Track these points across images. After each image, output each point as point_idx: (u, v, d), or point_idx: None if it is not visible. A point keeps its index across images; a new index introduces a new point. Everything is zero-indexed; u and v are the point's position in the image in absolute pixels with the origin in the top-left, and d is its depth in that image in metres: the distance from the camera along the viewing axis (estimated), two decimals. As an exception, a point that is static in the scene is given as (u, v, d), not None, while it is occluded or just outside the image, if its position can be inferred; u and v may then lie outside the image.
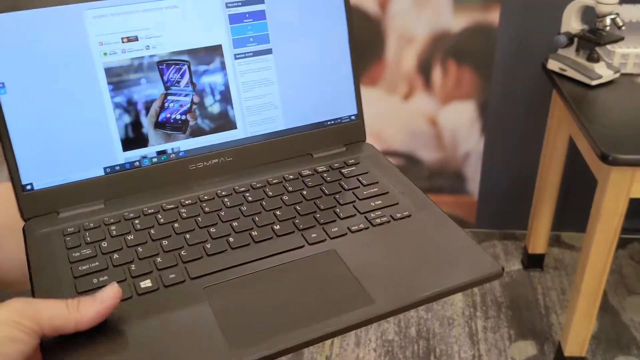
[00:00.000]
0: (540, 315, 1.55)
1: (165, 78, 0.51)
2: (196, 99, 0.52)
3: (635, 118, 1.16)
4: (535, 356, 1.44)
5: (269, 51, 0.54)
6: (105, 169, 0.50)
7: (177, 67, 0.51)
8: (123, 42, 0.49)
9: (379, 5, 1.54)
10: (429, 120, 1.69)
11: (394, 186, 0.53)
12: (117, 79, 0.49)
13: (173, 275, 0.43)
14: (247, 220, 0.49)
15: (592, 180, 1.20)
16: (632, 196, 1.11)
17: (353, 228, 0.48)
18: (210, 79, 0.52)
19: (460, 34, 1.56)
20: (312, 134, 0.57)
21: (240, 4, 0.52)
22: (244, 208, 0.50)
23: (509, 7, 1.51)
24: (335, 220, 0.49)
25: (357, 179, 0.54)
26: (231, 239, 0.46)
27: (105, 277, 0.42)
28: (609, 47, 1.29)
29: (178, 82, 0.51)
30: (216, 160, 0.53)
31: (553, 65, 1.33)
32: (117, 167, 0.51)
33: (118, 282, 0.41)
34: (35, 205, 0.48)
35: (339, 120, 0.58)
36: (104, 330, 0.38)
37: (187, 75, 0.51)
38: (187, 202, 0.50)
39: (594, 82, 1.25)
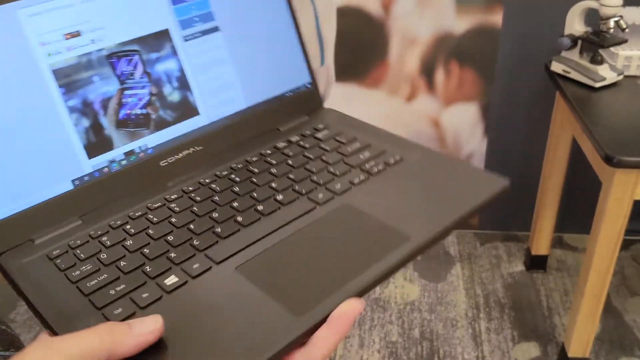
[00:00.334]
0: (543, 317, 1.56)
1: (118, 72, 0.47)
2: (154, 90, 0.49)
3: (639, 120, 1.16)
4: (538, 357, 1.44)
5: (216, 29, 0.52)
6: (73, 181, 0.46)
7: (128, 58, 0.48)
8: (66, 38, 0.45)
9: (382, 7, 1.55)
10: (432, 121, 1.69)
11: (373, 138, 0.53)
12: (67, 80, 0.45)
13: (197, 265, 0.40)
14: (245, 199, 0.47)
15: (594, 182, 1.20)
16: (636, 198, 1.11)
17: (355, 181, 0.48)
18: (164, 67, 0.49)
19: (463, 35, 1.57)
20: (274, 108, 0.56)
21: None
22: (236, 189, 0.48)
23: (512, 9, 1.52)
24: (333, 179, 0.49)
25: (334, 139, 0.54)
26: (239, 218, 0.45)
27: (123, 286, 0.39)
28: (612, 49, 1.29)
29: (132, 74, 0.48)
30: (187, 151, 0.51)
31: (556, 67, 1.33)
32: (86, 178, 0.46)
33: (138, 286, 0.39)
34: (4, 236, 0.43)
35: (296, 91, 0.57)
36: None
37: (140, 66, 0.48)
38: (173, 197, 0.48)
39: (597, 84, 1.25)
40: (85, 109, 0.45)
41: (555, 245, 1.79)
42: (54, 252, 0.42)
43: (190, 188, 0.49)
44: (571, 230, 1.82)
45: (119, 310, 0.37)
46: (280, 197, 0.47)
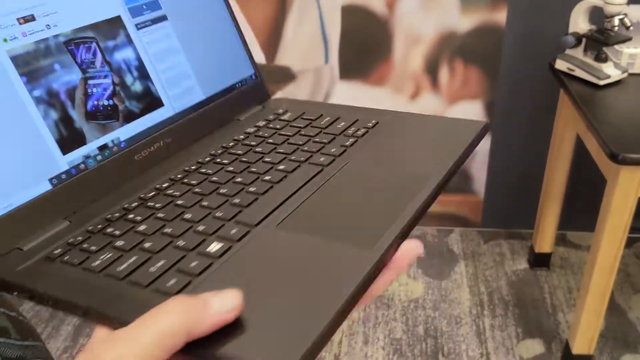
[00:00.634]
0: (547, 314, 1.56)
1: (78, 60, 0.46)
2: (116, 79, 0.48)
3: (643, 118, 1.16)
4: (543, 354, 1.44)
5: (164, 18, 0.53)
6: (51, 180, 0.43)
7: (86, 45, 0.46)
8: (20, 23, 0.43)
9: (386, 5, 1.55)
10: (436, 119, 1.69)
11: (339, 112, 0.55)
12: (28, 68, 0.42)
13: (235, 230, 0.38)
14: (244, 175, 0.46)
15: (598, 180, 1.21)
16: (641, 195, 1.12)
17: (347, 143, 0.49)
18: (122, 55, 0.49)
19: (467, 33, 1.57)
20: (230, 98, 0.57)
21: None
22: (230, 168, 0.47)
23: (517, 7, 1.52)
24: (323, 147, 0.49)
25: (302, 118, 0.54)
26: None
27: (162, 262, 0.36)
28: (616, 47, 1.29)
29: (93, 62, 0.47)
30: (158, 144, 0.50)
31: (561, 65, 1.33)
32: (63, 176, 0.44)
33: (178, 260, 0.36)
34: None
35: (244, 82, 0.59)
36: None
37: (99, 54, 0.47)
38: (164, 185, 0.46)
39: (602, 82, 1.26)
40: (52, 99, 0.43)
41: (559, 243, 1.80)
42: (55, 252, 0.39)
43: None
44: (575, 228, 1.83)
45: (173, 281, 0.34)
46: (282, 167, 0.46)
